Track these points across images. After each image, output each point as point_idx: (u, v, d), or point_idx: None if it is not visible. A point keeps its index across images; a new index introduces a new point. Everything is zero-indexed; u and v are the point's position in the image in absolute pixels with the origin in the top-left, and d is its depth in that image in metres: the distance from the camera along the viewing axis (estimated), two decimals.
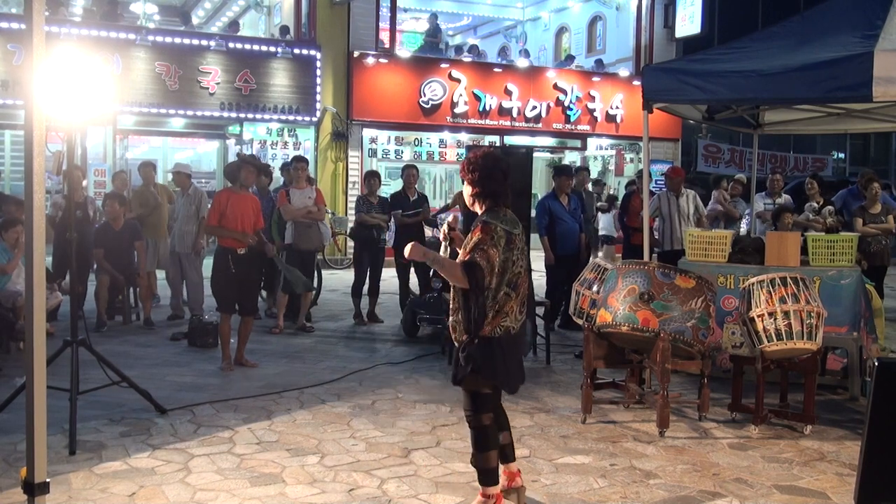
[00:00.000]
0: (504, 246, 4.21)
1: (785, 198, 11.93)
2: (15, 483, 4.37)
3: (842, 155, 33.46)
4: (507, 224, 4.28)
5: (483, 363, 4.25)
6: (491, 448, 4.40)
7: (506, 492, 4.57)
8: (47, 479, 3.35)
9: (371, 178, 10.65)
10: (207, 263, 9.16)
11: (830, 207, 10.45)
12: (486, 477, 4.42)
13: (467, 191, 4.47)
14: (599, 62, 21.17)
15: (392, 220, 10.70)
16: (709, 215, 11.96)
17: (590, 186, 14.66)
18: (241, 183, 8.24)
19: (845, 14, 7.14)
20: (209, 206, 9.03)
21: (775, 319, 5.97)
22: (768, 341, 6.00)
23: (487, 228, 4.21)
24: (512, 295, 4.26)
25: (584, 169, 12.42)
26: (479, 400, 4.40)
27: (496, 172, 4.38)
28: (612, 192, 18.65)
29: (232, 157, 18.24)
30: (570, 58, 21.86)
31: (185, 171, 10.62)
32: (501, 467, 4.60)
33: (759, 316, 6.04)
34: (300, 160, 10.30)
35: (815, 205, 10.92)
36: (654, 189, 14.32)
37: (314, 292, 10.45)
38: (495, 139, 19.24)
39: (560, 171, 10.67)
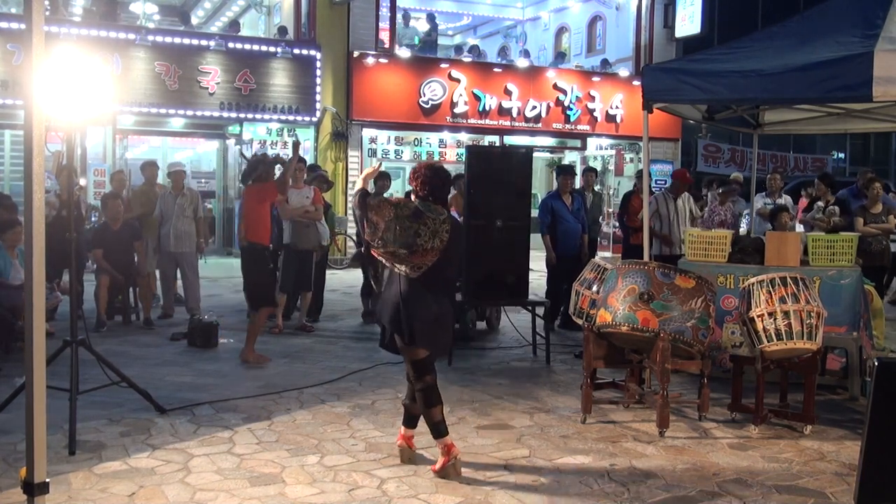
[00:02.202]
0: (410, 218, 5.00)
1: (785, 198, 11.92)
2: (15, 483, 4.37)
3: (842, 155, 33.46)
4: (424, 207, 5.11)
5: (381, 307, 5.31)
6: (433, 405, 5.14)
7: (401, 450, 5.43)
8: (47, 479, 3.35)
9: (381, 179, 10.61)
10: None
11: (835, 207, 10.44)
12: (435, 429, 5.15)
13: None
14: (605, 61, 21.18)
15: None
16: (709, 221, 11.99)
17: (597, 187, 14.65)
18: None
19: (845, 14, 7.14)
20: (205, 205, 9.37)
21: (775, 319, 5.97)
22: (768, 341, 6.00)
23: (394, 198, 5.34)
24: (406, 255, 4.99)
25: (592, 169, 12.39)
26: (414, 367, 5.20)
27: (436, 180, 5.27)
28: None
29: (232, 157, 18.28)
30: (561, 55, 21.86)
31: (181, 170, 10.65)
32: (403, 430, 5.46)
33: (758, 316, 6.04)
34: (299, 160, 10.29)
35: (823, 204, 10.92)
36: (655, 189, 14.32)
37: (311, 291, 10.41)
38: (495, 139, 19.26)
39: (563, 171, 10.68)
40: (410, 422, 5.45)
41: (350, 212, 13.93)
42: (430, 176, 5.24)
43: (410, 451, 5.43)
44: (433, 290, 5.17)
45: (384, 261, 5.20)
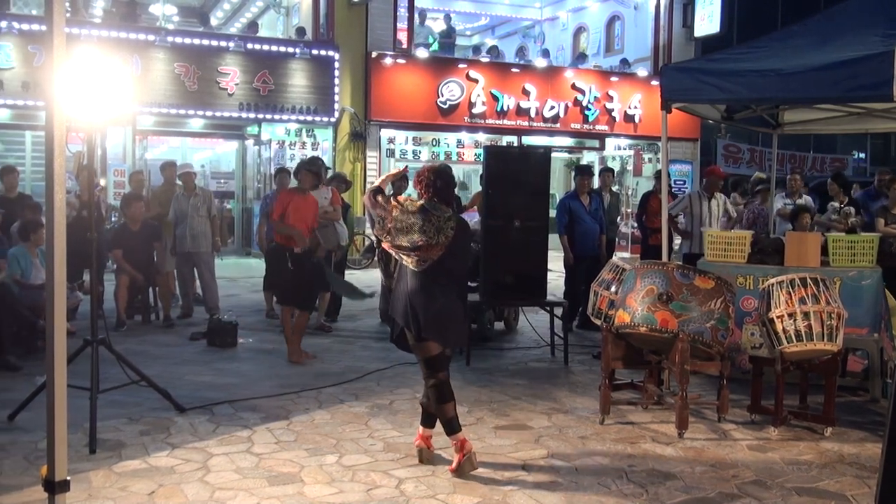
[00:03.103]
0: (415, 213, 5.28)
1: (805, 198, 11.84)
2: (36, 481, 4.39)
3: (862, 155, 33.22)
4: (430, 205, 5.34)
5: (393, 303, 5.50)
6: (444, 401, 5.26)
7: (420, 450, 5.49)
8: (68, 478, 3.36)
9: (399, 180, 10.58)
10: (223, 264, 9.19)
11: (851, 208, 10.36)
12: (448, 426, 5.25)
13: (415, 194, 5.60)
14: (624, 61, 21.10)
15: None
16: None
17: (615, 187, 14.58)
18: (301, 186, 8.84)
19: (866, 12, 7.09)
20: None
21: (795, 320, 5.93)
22: (788, 342, 5.96)
23: (402, 197, 5.52)
24: (411, 250, 5.24)
25: (609, 170, 12.35)
26: (425, 366, 5.33)
27: (439, 181, 5.46)
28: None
29: (251, 158, 18.37)
30: (582, 56, 21.80)
31: (191, 171, 10.72)
32: (421, 430, 5.53)
33: (778, 317, 6.01)
34: (315, 161, 10.35)
35: (837, 205, 10.83)
36: (674, 190, 14.26)
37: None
38: (513, 139, 19.23)
39: (581, 171, 10.64)
40: (428, 421, 5.51)
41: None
42: (434, 179, 5.45)
43: (429, 452, 5.47)
44: (439, 282, 5.33)
45: (394, 254, 5.42)
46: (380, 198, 5.35)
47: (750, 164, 21.67)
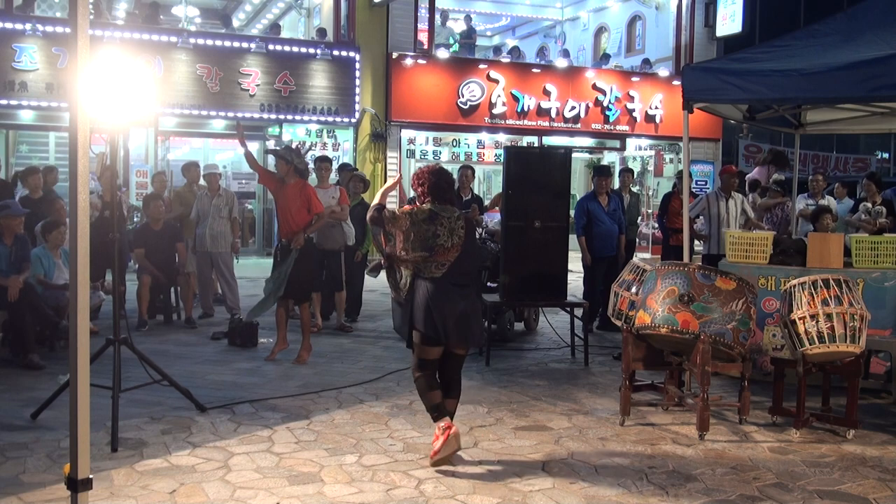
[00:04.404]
0: (425, 222, 5.34)
1: (827, 198, 11.76)
2: (59, 479, 4.44)
3: (885, 154, 32.92)
4: (437, 209, 5.40)
5: (412, 313, 5.45)
6: (430, 390, 5.45)
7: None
8: (90, 476, 3.39)
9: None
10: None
11: (882, 208, 10.27)
12: (434, 412, 5.44)
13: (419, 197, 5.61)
14: (646, 61, 21.01)
15: None
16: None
17: (636, 188, 14.53)
18: (278, 174, 8.68)
19: (889, 11, 7.03)
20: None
21: (817, 322, 5.89)
22: (810, 344, 5.92)
23: (411, 204, 5.56)
24: (428, 257, 5.33)
25: (629, 170, 12.30)
26: (416, 361, 5.51)
27: (440, 182, 5.53)
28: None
29: (272, 158, 18.35)
30: (606, 57, 21.73)
31: (216, 172, 10.78)
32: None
33: (800, 318, 5.96)
34: (324, 160, 10.42)
35: (870, 205, 10.75)
36: (695, 190, 14.19)
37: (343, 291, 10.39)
38: (534, 140, 19.20)
39: (599, 172, 10.60)
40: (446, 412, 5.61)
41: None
42: (435, 180, 5.51)
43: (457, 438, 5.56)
44: (458, 285, 5.41)
45: (408, 268, 5.44)
46: (385, 213, 5.41)
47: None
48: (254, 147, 18.83)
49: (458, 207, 10.56)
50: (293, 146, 13.35)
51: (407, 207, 5.51)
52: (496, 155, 18.90)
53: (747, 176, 13.40)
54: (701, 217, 10.40)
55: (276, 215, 10.14)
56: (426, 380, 5.48)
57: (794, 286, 6.14)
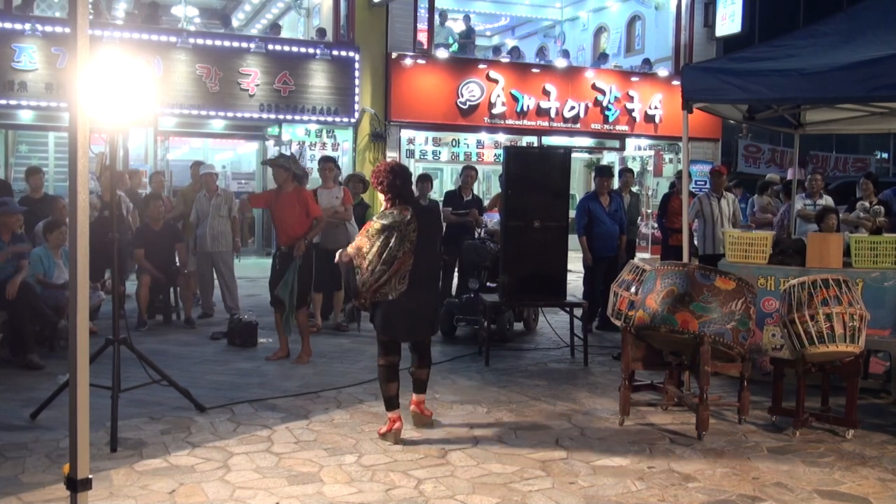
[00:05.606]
0: (377, 236, 5.58)
1: (826, 198, 11.76)
2: (58, 479, 4.44)
3: (885, 154, 32.93)
4: (386, 219, 5.60)
5: (379, 322, 5.81)
6: (388, 382, 5.80)
7: (414, 416, 6.07)
8: (90, 476, 3.39)
9: (422, 181, 10.58)
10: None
11: (881, 207, 10.27)
12: (388, 403, 5.80)
13: (381, 197, 5.82)
14: (646, 61, 21.01)
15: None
16: (757, 220, 11.89)
17: (635, 188, 14.53)
18: (276, 183, 8.53)
19: (889, 11, 7.03)
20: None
21: (817, 322, 5.89)
22: (809, 344, 5.92)
23: (364, 227, 5.77)
24: (387, 270, 5.56)
25: (629, 170, 12.31)
26: (380, 347, 5.89)
27: (397, 180, 5.73)
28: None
29: (268, 170, 18.35)
30: (604, 56, 21.74)
31: (213, 173, 10.79)
32: (413, 396, 6.10)
33: (800, 318, 5.96)
34: (327, 160, 10.38)
35: (868, 204, 10.76)
36: (694, 190, 14.18)
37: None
38: (533, 140, 19.21)
39: (601, 172, 10.61)
40: (419, 387, 6.11)
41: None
42: (392, 178, 5.70)
43: (423, 417, 6.08)
44: (423, 284, 5.74)
45: (377, 293, 5.69)
46: (349, 251, 5.74)
47: (770, 164, 21.50)
48: (253, 147, 18.95)
49: (460, 207, 10.67)
50: (288, 153, 13.36)
51: (362, 239, 5.72)
52: (496, 155, 18.90)
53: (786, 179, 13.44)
54: (696, 219, 10.45)
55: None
56: (387, 371, 5.83)
57: (794, 286, 6.14)
